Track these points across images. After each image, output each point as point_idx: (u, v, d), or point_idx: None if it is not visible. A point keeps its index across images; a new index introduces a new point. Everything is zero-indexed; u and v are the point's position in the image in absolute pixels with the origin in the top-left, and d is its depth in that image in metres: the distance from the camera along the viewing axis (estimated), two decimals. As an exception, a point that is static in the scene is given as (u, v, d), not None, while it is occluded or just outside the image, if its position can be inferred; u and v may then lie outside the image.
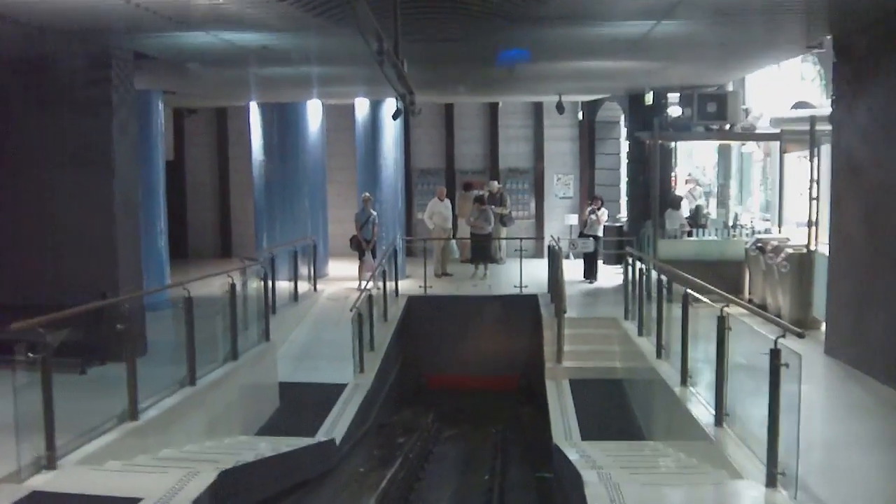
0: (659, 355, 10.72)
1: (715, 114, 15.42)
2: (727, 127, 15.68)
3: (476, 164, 22.23)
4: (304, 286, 17.29)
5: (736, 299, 8.27)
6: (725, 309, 7.68)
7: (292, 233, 18.42)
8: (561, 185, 22.05)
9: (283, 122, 18.83)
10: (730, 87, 16.00)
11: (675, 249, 15.07)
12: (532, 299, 16.28)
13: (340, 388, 12.43)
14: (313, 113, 19.07)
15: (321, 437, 10.40)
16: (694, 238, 15.71)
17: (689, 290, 9.20)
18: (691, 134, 15.69)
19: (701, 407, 8.37)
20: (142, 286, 11.77)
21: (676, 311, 9.77)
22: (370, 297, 13.83)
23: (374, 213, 17.59)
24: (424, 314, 16.79)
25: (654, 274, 11.90)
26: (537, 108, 21.81)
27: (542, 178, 22.03)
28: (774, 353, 6.01)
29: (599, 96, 19.20)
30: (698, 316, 9.07)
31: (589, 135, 21.59)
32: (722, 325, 7.63)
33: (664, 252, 14.96)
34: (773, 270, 13.17)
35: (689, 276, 9.53)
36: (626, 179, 18.31)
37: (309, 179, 19.06)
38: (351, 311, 12.66)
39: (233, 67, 12.25)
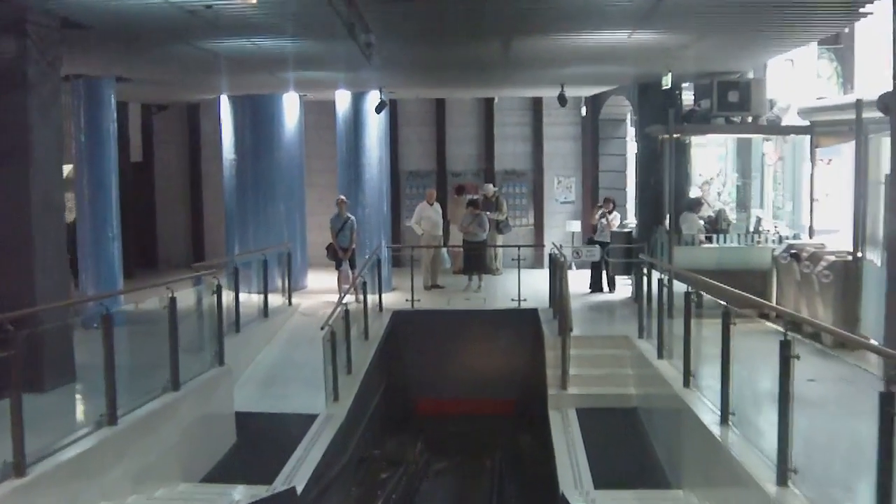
0: (686, 383, 8.93)
1: (737, 104, 13.66)
2: (750, 119, 13.92)
3: (469, 166, 20.47)
4: (277, 300, 15.53)
5: (819, 324, 6.47)
6: (784, 330, 5.89)
7: (266, 239, 16.66)
8: (562, 188, 20.29)
9: (256, 117, 17.11)
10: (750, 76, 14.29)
11: (692, 258, 13.28)
12: (531, 314, 14.61)
13: (311, 419, 10.65)
14: (290, 108, 17.31)
15: (279, 484, 8.59)
16: (713, 245, 13.91)
17: (729, 306, 7.42)
18: (712, 127, 13.91)
19: (752, 456, 6.56)
20: (68, 299, 9.94)
21: (709, 329, 8.03)
22: (346, 312, 12.04)
23: (352, 217, 15.80)
24: (412, 331, 15.14)
25: (675, 285, 10.21)
26: (536, 105, 20.07)
27: (542, 180, 20.29)
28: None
29: (605, 88, 17.41)
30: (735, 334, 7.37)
31: (592, 134, 19.84)
32: (786, 352, 5.82)
33: (679, 260, 13.22)
34: (812, 281, 11.39)
35: (728, 288, 7.74)
36: (636, 180, 16.55)
37: (284, 180, 17.29)
38: (322, 329, 10.86)
39: (178, 40, 10.44)
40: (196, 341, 10.26)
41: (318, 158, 19.76)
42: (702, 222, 14.39)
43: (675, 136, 13.68)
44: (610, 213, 16.64)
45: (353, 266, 15.71)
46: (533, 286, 15.67)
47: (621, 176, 19.85)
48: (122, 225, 14.55)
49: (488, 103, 20.12)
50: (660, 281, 10.62)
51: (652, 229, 15.33)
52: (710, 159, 17.53)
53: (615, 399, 11.24)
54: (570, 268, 13.96)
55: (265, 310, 14.46)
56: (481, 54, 12.07)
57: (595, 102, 19.38)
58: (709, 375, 8.34)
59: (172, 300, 8.89)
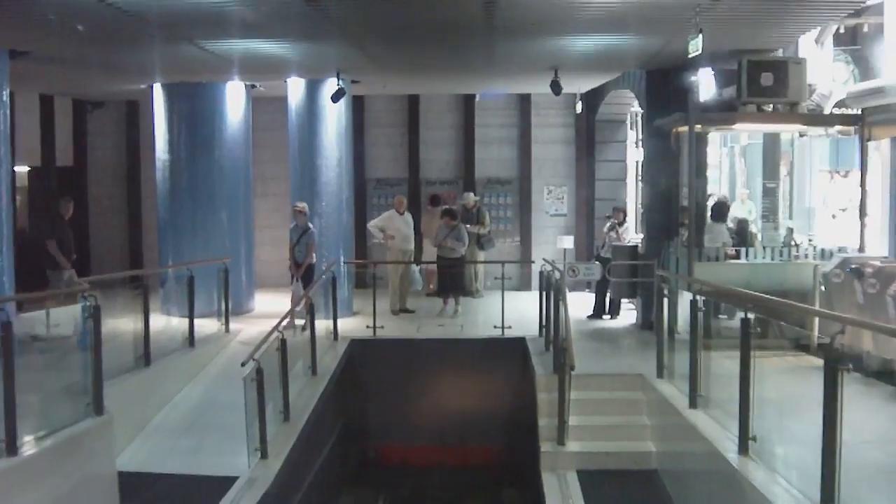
0: (744, 449, 6.28)
1: (771, 89, 11.13)
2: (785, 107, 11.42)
3: (446, 173, 17.89)
4: (212, 325, 12.88)
5: None
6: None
7: (203, 253, 14.00)
8: (553, 199, 17.70)
9: (192, 111, 14.52)
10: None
11: (715, 276, 10.68)
12: (518, 345, 12.17)
13: (229, 483, 7.98)
14: (234, 101, 14.71)
15: None
16: (741, 261, 11.34)
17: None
18: (744, 116, 11.30)
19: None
20: None
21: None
22: (283, 342, 9.39)
23: (312, 228, 13.16)
24: (373, 364, 12.72)
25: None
26: (524, 103, 17.55)
27: (530, 190, 17.72)
28: None
29: (605, 78, 14.83)
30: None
31: (588, 137, 17.34)
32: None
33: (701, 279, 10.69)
34: (886, 303, 8.80)
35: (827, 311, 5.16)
36: (642, 186, 13.99)
37: (226, 185, 14.67)
38: (243, 365, 8.22)
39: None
40: (62, 382, 7.60)
41: (272, 164, 17.16)
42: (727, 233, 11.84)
43: (697, 127, 11.13)
44: (620, 224, 14.15)
45: (307, 285, 13.12)
46: (519, 311, 13.29)
47: (621, 185, 17.36)
48: (43, 240, 11.97)
49: (468, 101, 17.59)
50: (692, 303, 8.00)
51: (662, 243, 12.80)
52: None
53: (629, 458, 8.66)
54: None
55: (190, 338, 11.76)
56: (460, 16, 9.49)
57: (591, 101, 16.88)
58: (778, 435, 5.76)
59: (6, 328, 6.19)
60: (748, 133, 16.75)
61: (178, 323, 12.44)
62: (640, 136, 17.21)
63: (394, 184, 17.57)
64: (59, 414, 7.20)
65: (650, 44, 11.21)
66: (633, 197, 17.45)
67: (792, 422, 6.16)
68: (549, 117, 17.58)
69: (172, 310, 13.45)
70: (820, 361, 9.90)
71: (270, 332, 9.24)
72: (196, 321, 12.47)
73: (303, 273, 12.90)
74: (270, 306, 14.95)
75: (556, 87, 13.05)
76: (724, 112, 11.42)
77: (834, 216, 14.87)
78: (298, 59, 12.29)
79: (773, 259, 11.43)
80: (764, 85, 11.15)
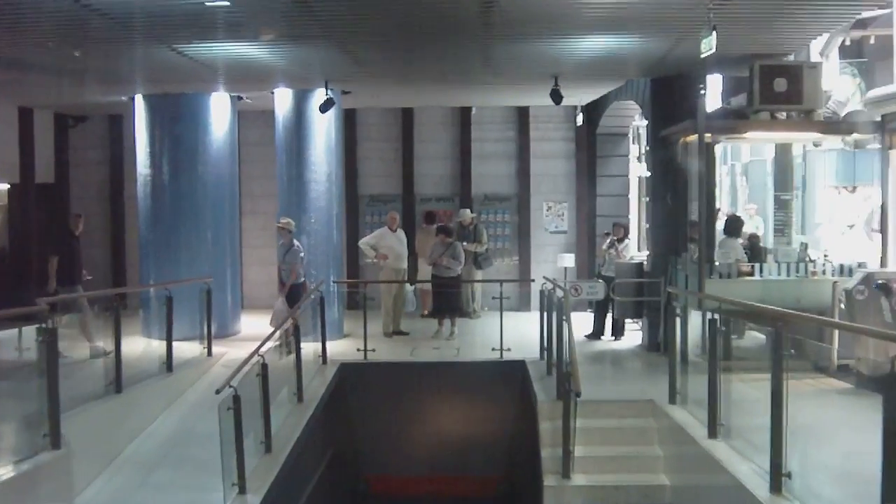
0: (777, 487, 5.56)
1: (785, 95, 10.49)
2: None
3: (442, 189, 17.21)
4: (194, 349, 12.16)
5: None
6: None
7: (187, 272, 13.30)
8: (553, 215, 17.02)
9: (175, 124, 13.82)
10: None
11: (728, 293, 9.97)
12: (517, 368, 11.48)
13: (202, 521, 7.27)
14: (219, 113, 14.04)
15: None
16: (755, 278, 10.65)
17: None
18: (757, 123, 10.63)
19: None
20: None
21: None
22: (264, 367, 8.67)
23: (296, 244, 12.47)
24: (364, 389, 11.99)
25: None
26: (522, 116, 16.91)
27: (529, 206, 17.02)
28: None
29: (607, 87, 14.16)
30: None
31: (589, 151, 16.67)
32: None
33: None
34: (918, 323, 8.13)
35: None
36: (647, 201, 13.32)
37: (211, 201, 13.96)
38: (218, 392, 7.49)
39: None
40: (19, 412, 6.87)
41: (261, 180, 16.49)
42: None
43: (707, 137, 10.47)
44: (620, 241, 13.46)
45: (292, 305, 12.46)
46: (519, 332, 12.59)
47: (623, 201, 16.66)
48: (22, 258, 11.45)
49: (464, 115, 16.94)
50: (712, 322, 7.29)
51: (669, 259, 12.12)
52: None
53: (640, 493, 7.95)
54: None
55: (168, 362, 11.01)
56: (457, 13, 8.84)
57: (592, 114, 16.24)
58: (815, 472, 5.05)
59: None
60: (750, 148, 16.24)
61: (158, 346, 11.73)
62: (643, 151, 16.65)
63: (387, 200, 16.88)
64: (10, 447, 6.46)
65: (655, 47, 10.57)
66: (636, 213, 16.78)
67: (830, 455, 5.44)
68: (549, 131, 16.94)
69: (154, 332, 12.76)
70: (840, 384, 9.25)
71: (250, 356, 8.54)
72: (176, 344, 11.74)
73: (287, 293, 12.20)
74: (258, 329, 14.11)
75: (556, 96, 12.39)
76: (736, 120, 10.77)
77: (843, 233, 14.28)
78: (284, 65, 11.64)
79: (787, 275, 10.75)
80: (777, 91, 10.54)
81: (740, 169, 17.42)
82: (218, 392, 7.49)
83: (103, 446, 8.77)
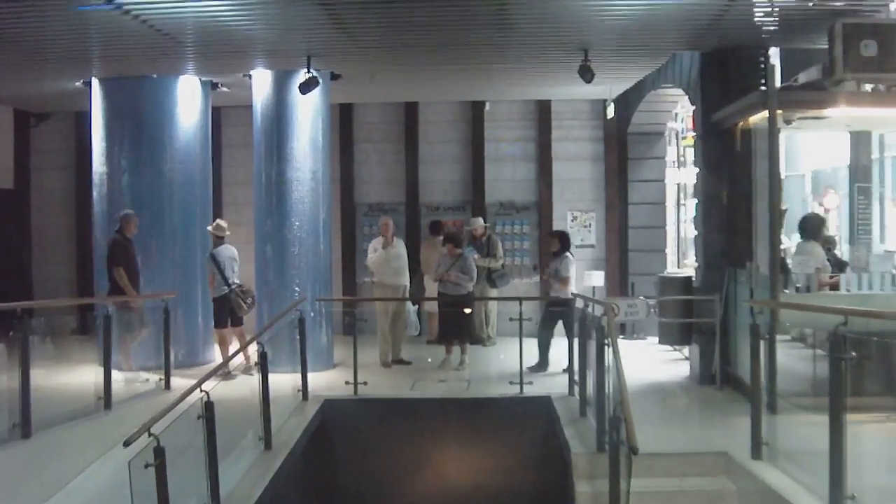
0: None
1: (874, 61, 8.32)
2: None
3: (450, 196, 15.07)
4: (150, 381, 10.12)
5: None
6: None
7: (150, 288, 11.25)
8: (578, 226, 14.83)
9: (136, 112, 11.78)
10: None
11: (807, 312, 7.78)
12: (542, 406, 9.35)
13: None
14: (189, 101, 11.96)
15: None
16: (845, 292, 8.41)
17: None
18: (844, 96, 8.42)
19: None
20: None
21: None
22: (208, 405, 6.57)
23: (220, 249, 10.70)
24: (353, 432, 9.90)
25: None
26: (542, 111, 14.79)
27: (551, 216, 14.85)
28: None
29: (646, 65, 11.87)
30: None
31: (619, 153, 14.49)
32: None
33: (789, 317, 7.85)
34: None
35: None
36: (696, 199, 11.10)
37: (178, 205, 11.88)
38: (126, 445, 5.40)
39: None
40: None
41: (246, 187, 14.20)
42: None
43: (780, 117, 8.30)
44: (556, 255, 11.51)
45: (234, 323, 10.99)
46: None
47: (659, 209, 14.45)
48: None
49: (476, 111, 14.82)
50: (836, 341, 5.06)
51: (727, 272, 9.95)
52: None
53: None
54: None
55: (106, 397, 8.87)
56: None
57: (623, 110, 14.08)
58: None
59: None
60: (786, 159, 13.99)
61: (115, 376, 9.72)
62: (681, 153, 14.51)
63: (388, 209, 14.69)
64: None
65: (703, 8, 8.45)
66: (673, 222, 14.59)
67: None
68: (573, 129, 14.79)
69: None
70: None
71: (186, 394, 6.44)
72: (126, 374, 9.72)
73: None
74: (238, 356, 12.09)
75: (586, 73, 10.24)
76: (818, 91, 8.58)
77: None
78: (261, 32, 9.52)
79: (880, 289, 8.51)
80: (865, 56, 8.36)
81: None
82: (127, 444, 5.40)
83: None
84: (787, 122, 8.75)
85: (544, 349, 11.12)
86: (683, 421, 8.46)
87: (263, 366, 8.24)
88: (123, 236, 10.76)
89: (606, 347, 6.80)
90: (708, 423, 7.97)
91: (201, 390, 6.77)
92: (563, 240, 11.59)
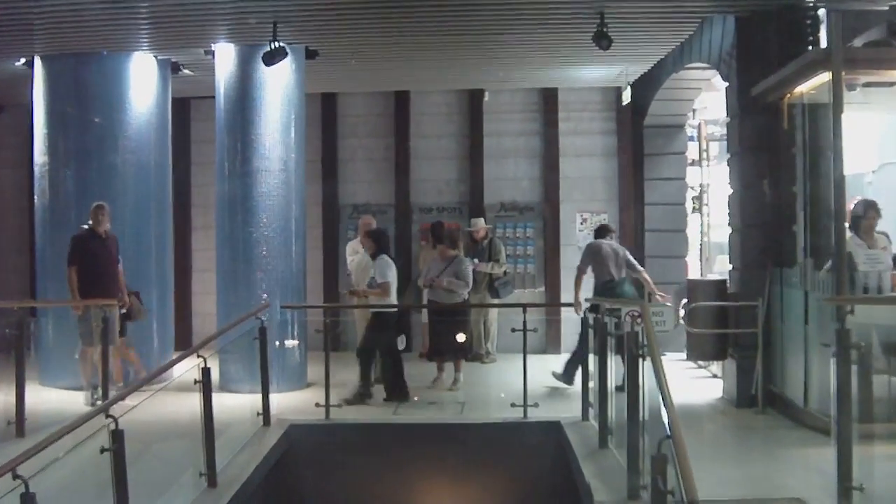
0: None
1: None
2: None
3: (446, 197, 13.56)
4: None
5: None
6: None
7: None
8: (588, 229, 13.30)
9: (82, 94, 10.30)
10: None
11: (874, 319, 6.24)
12: (550, 433, 7.79)
13: None
14: (142, 83, 10.46)
15: None
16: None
17: None
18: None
19: None
20: None
21: None
22: (115, 434, 5.18)
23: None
24: (323, 463, 8.36)
25: None
26: (548, 101, 13.31)
27: (558, 218, 13.36)
28: None
29: (668, 39, 10.36)
30: None
31: (634, 148, 13.00)
32: None
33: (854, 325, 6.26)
34: None
35: None
36: (732, 189, 9.54)
37: (130, 201, 10.36)
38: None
39: None
40: None
41: (214, 187, 12.90)
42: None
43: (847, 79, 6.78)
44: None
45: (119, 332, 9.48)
46: (547, 380, 9.21)
47: (679, 210, 12.92)
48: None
49: (474, 101, 13.35)
50: None
51: (770, 273, 8.41)
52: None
53: None
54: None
55: (18, 422, 7.31)
56: None
57: (639, 100, 12.60)
58: None
59: None
60: None
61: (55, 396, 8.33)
62: (705, 147, 13.00)
63: (376, 211, 13.18)
64: None
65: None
66: (695, 226, 13.08)
67: None
68: (583, 121, 13.30)
69: (48, 378, 9.49)
70: None
71: (82, 419, 4.95)
72: (59, 395, 8.21)
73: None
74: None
75: (602, 39, 8.73)
76: (888, 48, 7.06)
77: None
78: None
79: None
80: (948, 9, 6.88)
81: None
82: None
83: None
84: (851, 87, 7.22)
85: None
86: (735, 455, 6.77)
87: (206, 384, 6.68)
88: (91, 231, 9.29)
89: (641, 361, 5.20)
90: (765, 457, 6.36)
91: (107, 415, 5.28)
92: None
